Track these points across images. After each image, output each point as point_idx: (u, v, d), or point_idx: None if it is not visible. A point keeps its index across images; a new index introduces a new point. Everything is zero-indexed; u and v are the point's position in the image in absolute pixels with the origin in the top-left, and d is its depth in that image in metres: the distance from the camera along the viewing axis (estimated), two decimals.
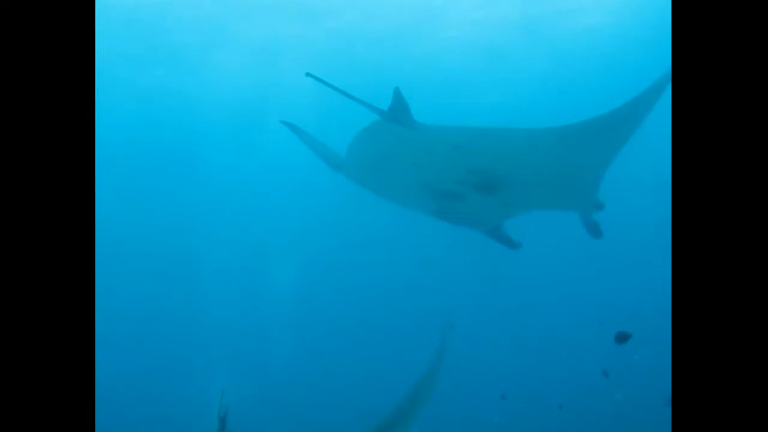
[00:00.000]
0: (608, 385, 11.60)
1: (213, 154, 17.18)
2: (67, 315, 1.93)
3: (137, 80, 13.95)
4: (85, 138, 2.02)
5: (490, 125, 5.24)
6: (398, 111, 5.09)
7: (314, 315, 19.07)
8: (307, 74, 4.91)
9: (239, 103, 14.89)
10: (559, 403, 11.71)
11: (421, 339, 17.28)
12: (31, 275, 1.90)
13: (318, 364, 17.96)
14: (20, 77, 1.94)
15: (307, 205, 18.06)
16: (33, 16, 1.97)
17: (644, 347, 14.72)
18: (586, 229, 6.22)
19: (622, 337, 5.92)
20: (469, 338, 16.41)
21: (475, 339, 16.21)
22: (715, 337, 1.96)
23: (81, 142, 2.01)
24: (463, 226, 6.60)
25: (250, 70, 13.76)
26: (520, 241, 6.41)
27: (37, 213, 1.93)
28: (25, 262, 1.90)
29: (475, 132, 5.28)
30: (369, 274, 18.97)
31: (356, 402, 15.77)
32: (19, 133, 1.93)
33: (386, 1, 12.13)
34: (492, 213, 6.24)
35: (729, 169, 2.01)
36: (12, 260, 1.88)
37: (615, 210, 6.46)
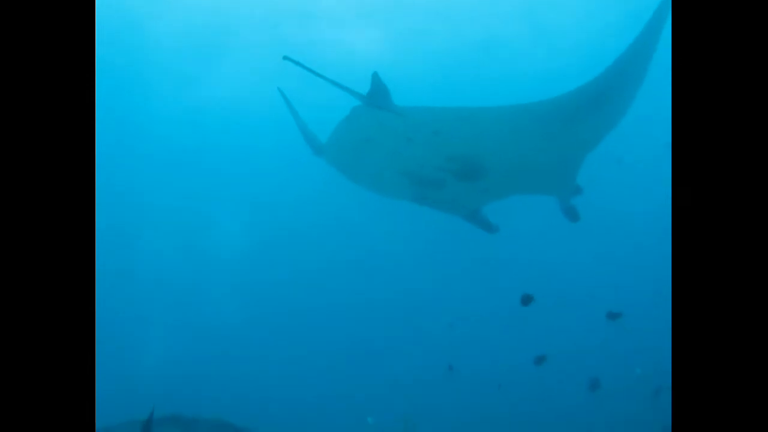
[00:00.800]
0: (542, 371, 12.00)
1: (156, 84, 14.47)
2: (65, 310, 1.92)
3: None
4: (84, 134, 2.00)
5: (469, 105, 5.08)
6: (377, 95, 5.00)
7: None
8: (285, 57, 4.65)
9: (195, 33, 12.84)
10: (498, 383, 12.27)
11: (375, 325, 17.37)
12: (17, 262, 1.87)
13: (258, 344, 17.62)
14: (20, 72, 1.93)
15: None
16: (32, 9, 1.95)
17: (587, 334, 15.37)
18: (563, 213, 6.30)
19: (526, 299, 6.07)
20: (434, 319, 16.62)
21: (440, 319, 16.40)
22: (714, 337, 1.93)
23: (81, 137, 2.00)
24: (442, 211, 6.62)
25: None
26: (497, 225, 6.48)
27: (36, 206, 1.91)
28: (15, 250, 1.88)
29: (454, 114, 5.14)
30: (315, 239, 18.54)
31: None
32: (19, 128, 1.92)
33: None
34: (471, 198, 6.26)
35: (730, 165, 1.98)
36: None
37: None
